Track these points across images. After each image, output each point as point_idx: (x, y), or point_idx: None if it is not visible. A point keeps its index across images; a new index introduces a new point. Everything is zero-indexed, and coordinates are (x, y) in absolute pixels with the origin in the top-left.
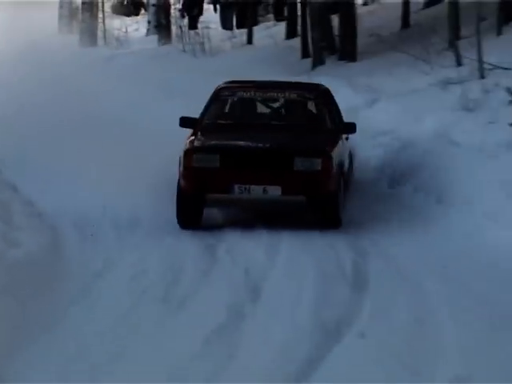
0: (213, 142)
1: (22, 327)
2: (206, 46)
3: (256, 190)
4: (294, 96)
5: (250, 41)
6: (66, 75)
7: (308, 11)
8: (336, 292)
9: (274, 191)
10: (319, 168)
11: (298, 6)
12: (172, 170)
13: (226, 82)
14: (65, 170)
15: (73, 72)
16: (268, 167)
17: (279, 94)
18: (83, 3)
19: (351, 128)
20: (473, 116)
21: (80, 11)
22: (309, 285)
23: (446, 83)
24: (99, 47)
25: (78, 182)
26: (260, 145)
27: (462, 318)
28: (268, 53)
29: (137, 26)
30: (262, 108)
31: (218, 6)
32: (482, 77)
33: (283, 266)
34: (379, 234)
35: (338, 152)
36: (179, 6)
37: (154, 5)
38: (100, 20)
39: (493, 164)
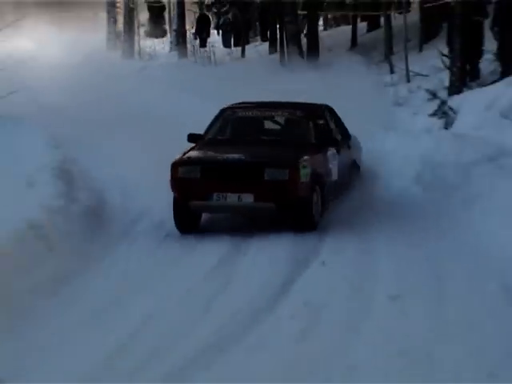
0: (196, 156)
1: (80, 260)
2: (212, 59)
3: (232, 198)
4: (285, 115)
5: (243, 55)
6: (112, 79)
7: (285, 34)
8: None
9: (248, 198)
10: (286, 178)
11: (277, 30)
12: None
13: (232, 104)
14: (109, 148)
15: (116, 77)
16: (242, 177)
17: (273, 114)
18: (124, 28)
19: (335, 143)
20: (402, 109)
21: (122, 34)
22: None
23: (383, 85)
24: (135, 60)
25: (120, 157)
26: (236, 158)
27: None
28: (256, 63)
29: (163, 45)
30: (257, 126)
31: (220, 31)
32: (408, 81)
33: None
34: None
35: (318, 163)
36: (193, 30)
37: (174, 30)
38: (136, 40)
39: (415, 142)
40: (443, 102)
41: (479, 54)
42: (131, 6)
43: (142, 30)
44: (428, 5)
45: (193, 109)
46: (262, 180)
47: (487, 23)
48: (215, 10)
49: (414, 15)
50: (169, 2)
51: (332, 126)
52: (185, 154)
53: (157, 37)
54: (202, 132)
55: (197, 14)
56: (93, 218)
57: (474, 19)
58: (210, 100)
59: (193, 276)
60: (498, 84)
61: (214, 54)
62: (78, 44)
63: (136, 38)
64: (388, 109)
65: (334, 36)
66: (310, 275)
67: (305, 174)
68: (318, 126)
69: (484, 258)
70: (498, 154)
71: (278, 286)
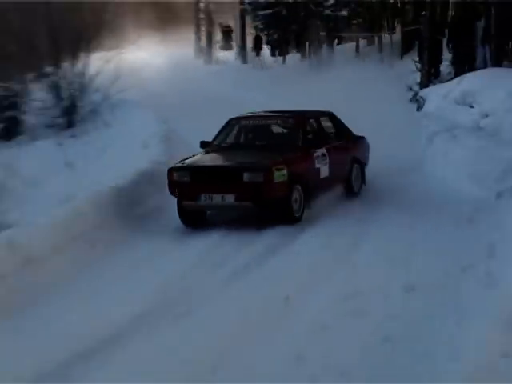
0: (189, 162)
1: (116, 233)
2: (263, 65)
3: (216, 198)
4: (279, 123)
5: (284, 62)
6: (197, 77)
7: (311, 48)
8: None
9: (229, 199)
10: (262, 180)
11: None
12: None
13: (239, 115)
14: (196, 122)
15: (200, 75)
16: (225, 180)
17: (269, 122)
18: (206, 44)
19: (326, 144)
20: None
21: (204, 48)
22: None
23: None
24: (213, 65)
25: (204, 128)
26: (221, 163)
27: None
28: (292, 67)
29: (230, 55)
30: (254, 133)
31: (269, 46)
32: None
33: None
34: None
35: (300, 164)
36: (251, 45)
37: (239, 46)
38: (213, 52)
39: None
40: (416, 93)
41: (439, 61)
42: (209, 30)
43: (217, 45)
44: (406, 29)
45: (248, 96)
46: (242, 182)
47: (445, 41)
48: (266, 32)
49: (397, 35)
50: (235, 27)
51: (327, 130)
52: (186, 159)
53: (227, 49)
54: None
55: (254, 35)
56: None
57: (436, 38)
58: (260, 91)
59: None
60: (452, 81)
61: (265, 61)
62: (176, 54)
63: (213, 50)
64: None
65: (343, 49)
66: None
67: (279, 175)
68: (308, 131)
69: (437, 190)
70: (451, 127)
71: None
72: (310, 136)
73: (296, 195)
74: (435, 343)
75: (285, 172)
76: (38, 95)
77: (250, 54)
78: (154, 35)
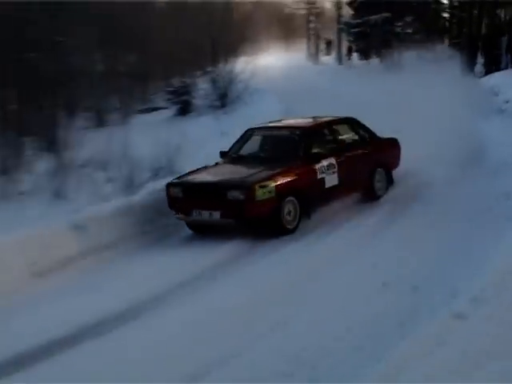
0: (185, 178)
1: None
2: (352, 66)
3: (205, 214)
4: (286, 133)
5: (368, 63)
6: (306, 74)
7: (386, 53)
8: None
9: (216, 215)
10: (243, 198)
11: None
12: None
13: (255, 125)
14: (305, 104)
15: (308, 73)
16: (212, 197)
17: (278, 133)
18: (314, 51)
19: (326, 155)
20: None
21: (313, 53)
22: None
23: None
24: (318, 65)
25: (305, 107)
26: (211, 180)
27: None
28: (373, 68)
29: (330, 59)
30: (264, 144)
31: (357, 53)
32: None
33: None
34: None
35: (296, 177)
36: (345, 52)
37: (336, 52)
38: (319, 57)
39: None
40: None
41: (475, 63)
42: (316, 41)
43: (322, 52)
44: (452, 41)
45: (341, 86)
46: (226, 200)
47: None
48: (355, 44)
49: (445, 46)
50: (334, 39)
51: (342, 137)
52: (193, 171)
53: (328, 55)
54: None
55: (347, 45)
56: None
57: (473, 48)
58: (349, 83)
59: None
60: (484, 77)
61: (353, 63)
62: (293, 59)
63: (319, 55)
64: None
65: (409, 55)
66: None
67: (263, 193)
68: (313, 142)
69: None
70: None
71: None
72: (314, 146)
73: (290, 207)
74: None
75: (271, 188)
76: (203, 86)
77: (344, 58)
78: (278, 45)
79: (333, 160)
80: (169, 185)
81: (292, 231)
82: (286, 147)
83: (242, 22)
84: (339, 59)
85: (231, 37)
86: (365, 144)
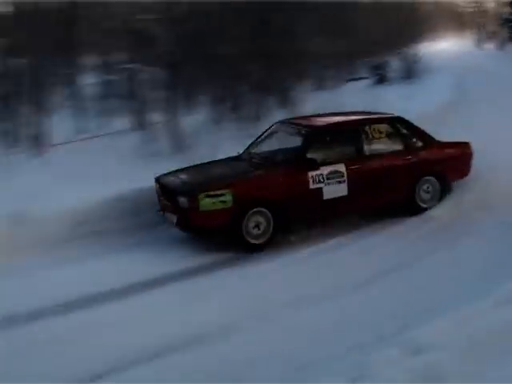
0: (165, 174)
1: None
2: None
3: (170, 217)
4: (295, 133)
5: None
6: (472, 57)
7: None
8: None
9: (174, 220)
10: (187, 206)
11: None
12: None
13: (284, 119)
14: (468, 80)
15: (473, 56)
16: (173, 201)
17: (292, 131)
18: (480, 39)
19: (312, 162)
20: None
21: (479, 40)
22: None
23: None
24: (483, 51)
25: (471, 83)
26: (174, 182)
27: None
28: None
29: (492, 46)
30: (274, 143)
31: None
32: None
33: None
34: None
35: (274, 185)
36: (504, 40)
37: (498, 40)
38: (483, 43)
39: None
40: None
41: None
42: (481, 31)
43: (486, 40)
44: None
45: (498, 65)
46: (179, 206)
47: None
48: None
49: None
50: (497, 30)
51: (372, 140)
52: (185, 168)
53: (491, 42)
54: None
55: (507, 35)
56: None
57: None
58: (507, 63)
59: None
60: None
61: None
62: (463, 45)
63: (484, 42)
64: None
65: None
66: None
67: (209, 203)
68: (316, 145)
69: None
70: None
71: None
72: (317, 151)
73: (259, 220)
74: None
75: (225, 198)
76: (394, 63)
77: (504, 45)
78: (451, 34)
79: (341, 167)
80: (155, 179)
81: (260, 248)
82: (287, 149)
83: (424, 17)
84: (500, 46)
85: (415, 28)
86: (408, 148)
